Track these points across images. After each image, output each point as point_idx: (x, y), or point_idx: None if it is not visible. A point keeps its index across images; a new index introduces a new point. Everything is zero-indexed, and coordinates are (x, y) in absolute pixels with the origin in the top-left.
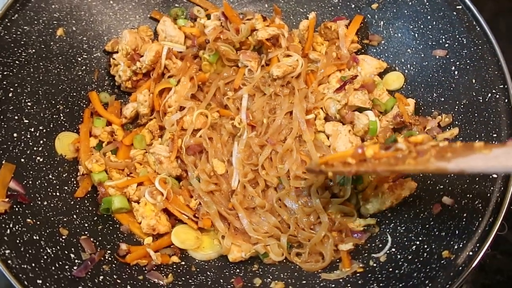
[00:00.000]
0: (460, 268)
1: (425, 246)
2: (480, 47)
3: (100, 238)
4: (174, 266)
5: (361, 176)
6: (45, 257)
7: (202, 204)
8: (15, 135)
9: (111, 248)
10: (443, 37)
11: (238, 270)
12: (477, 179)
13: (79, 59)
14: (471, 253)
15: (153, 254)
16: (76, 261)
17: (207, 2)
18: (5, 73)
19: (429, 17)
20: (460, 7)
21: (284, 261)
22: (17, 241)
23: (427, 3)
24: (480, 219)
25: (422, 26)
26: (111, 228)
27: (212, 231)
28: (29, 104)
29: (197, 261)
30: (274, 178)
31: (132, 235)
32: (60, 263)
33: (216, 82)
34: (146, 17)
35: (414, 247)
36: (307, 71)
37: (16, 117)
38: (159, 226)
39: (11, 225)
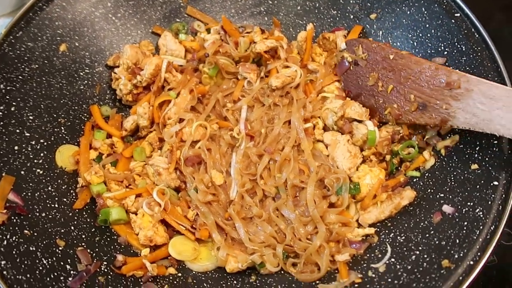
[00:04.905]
0: (461, 278)
1: (425, 256)
2: (479, 54)
3: (97, 250)
4: (171, 278)
5: (359, 186)
6: (40, 268)
7: (199, 215)
8: (16, 148)
9: (108, 260)
10: (442, 44)
11: (235, 282)
12: (478, 186)
13: (81, 73)
14: (471, 262)
15: (149, 265)
16: (72, 272)
17: (207, 16)
18: (8, 88)
19: (427, 25)
20: (458, 14)
21: (282, 272)
22: (13, 252)
23: (425, 12)
24: (481, 227)
25: (421, 35)
26: (108, 239)
27: (210, 242)
28: (31, 117)
29: (194, 272)
30: (272, 188)
31: (129, 246)
32: (56, 274)
33: (216, 95)
34: (148, 32)
35: (413, 256)
36: (306, 81)
37: (17, 131)
38: (157, 237)
39: (8, 236)
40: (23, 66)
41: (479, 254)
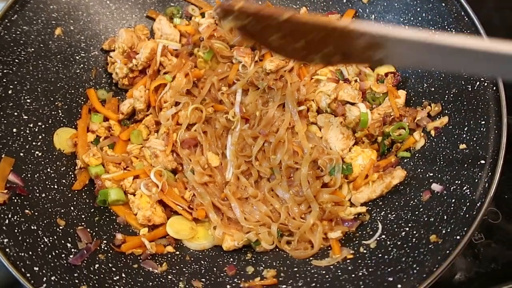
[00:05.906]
0: (448, 251)
1: (414, 232)
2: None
3: (96, 229)
4: (169, 256)
5: (351, 166)
6: (42, 246)
7: (196, 195)
8: (14, 130)
9: (107, 238)
10: (433, 28)
11: (231, 259)
12: (465, 165)
13: (77, 57)
14: (458, 237)
15: (148, 243)
16: (73, 250)
17: (201, 1)
18: (5, 71)
19: (418, 9)
20: None
21: (277, 249)
22: (15, 230)
23: None
24: (468, 204)
25: (412, 18)
26: (107, 219)
27: (207, 221)
28: (28, 101)
29: (191, 250)
30: (267, 169)
31: (128, 226)
32: (57, 251)
33: (211, 78)
34: (143, 16)
35: (403, 233)
36: (300, 64)
37: (15, 113)
38: (155, 217)
39: (9, 216)
40: (19, 50)
41: (465, 229)
